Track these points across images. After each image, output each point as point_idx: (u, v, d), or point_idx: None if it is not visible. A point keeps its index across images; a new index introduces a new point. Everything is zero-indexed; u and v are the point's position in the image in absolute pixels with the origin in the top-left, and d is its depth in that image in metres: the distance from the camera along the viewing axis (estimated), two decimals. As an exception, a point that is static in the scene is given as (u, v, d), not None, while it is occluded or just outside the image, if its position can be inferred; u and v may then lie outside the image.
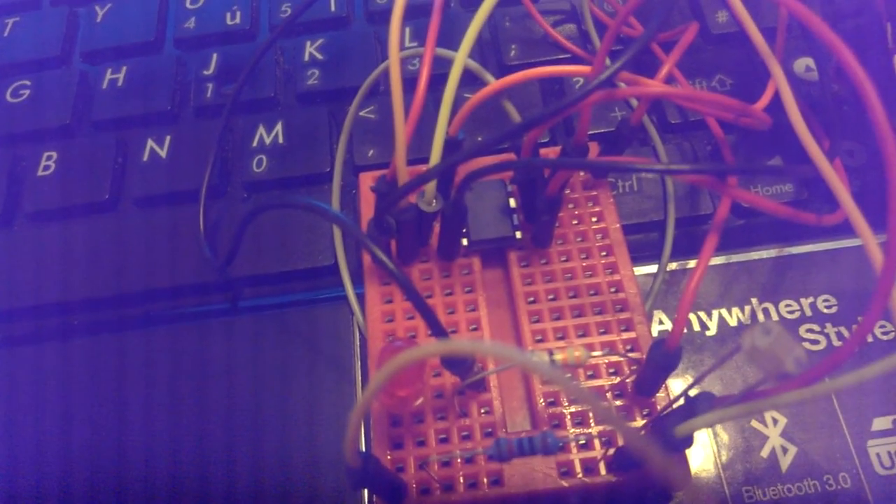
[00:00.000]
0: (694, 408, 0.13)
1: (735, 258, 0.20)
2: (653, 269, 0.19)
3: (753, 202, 0.14)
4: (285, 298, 0.20)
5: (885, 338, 0.18)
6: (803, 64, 0.22)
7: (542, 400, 0.16)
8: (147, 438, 0.18)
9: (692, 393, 0.14)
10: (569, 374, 0.09)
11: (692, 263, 0.20)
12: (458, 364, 0.14)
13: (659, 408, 0.15)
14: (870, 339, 0.19)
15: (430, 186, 0.16)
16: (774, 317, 0.19)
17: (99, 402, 0.19)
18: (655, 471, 0.10)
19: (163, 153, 0.22)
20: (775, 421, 0.17)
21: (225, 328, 0.20)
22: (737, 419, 0.12)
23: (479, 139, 0.21)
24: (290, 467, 0.17)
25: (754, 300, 0.19)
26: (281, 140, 0.22)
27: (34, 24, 0.25)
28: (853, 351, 0.12)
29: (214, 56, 0.24)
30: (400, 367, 0.10)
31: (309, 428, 0.18)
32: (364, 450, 0.17)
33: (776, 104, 0.16)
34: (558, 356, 0.14)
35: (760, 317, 0.19)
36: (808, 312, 0.19)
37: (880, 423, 0.17)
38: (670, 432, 0.13)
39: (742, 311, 0.19)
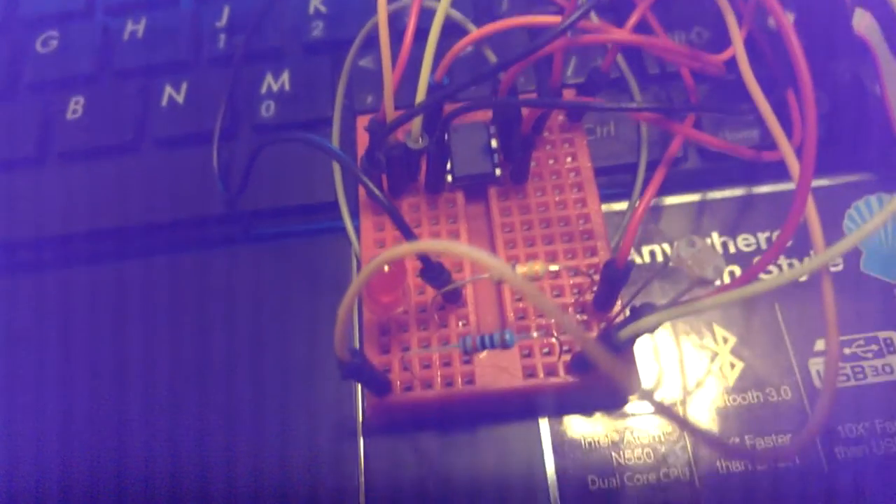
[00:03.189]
0: (637, 315, 0.15)
1: (700, 197, 0.21)
2: (625, 205, 0.21)
3: (701, 139, 0.16)
4: (290, 228, 0.22)
5: (834, 269, 0.20)
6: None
7: (511, 314, 0.18)
8: (151, 354, 0.21)
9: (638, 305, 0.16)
10: (524, 279, 0.11)
11: (664, 201, 0.22)
12: (436, 276, 0.16)
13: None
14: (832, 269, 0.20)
15: (416, 125, 0.18)
16: (732, 250, 0.21)
17: (121, 319, 0.21)
18: (604, 369, 0.12)
19: (180, 98, 0.24)
20: (725, 340, 0.19)
21: (234, 256, 0.22)
22: (669, 320, 0.14)
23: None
24: (290, 388, 0.20)
25: (714, 234, 0.21)
26: (287, 87, 0.24)
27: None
28: (771, 261, 0.14)
29: (226, 9, 0.25)
30: (379, 265, 0.12)
31: (310, 349, 0.20)
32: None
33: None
34: (520, 269, 0.16)
35: (719, 250, 0.21)
36: (763, 246, 0.21)
37: (821, 344, 0.19)
38: (616, 336, 0.15)
39: (703, 244, 0.21)
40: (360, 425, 0.19)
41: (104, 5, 0.27)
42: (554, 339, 0.17)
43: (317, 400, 0.19)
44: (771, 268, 0.20)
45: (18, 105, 0.25)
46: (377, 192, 0.16)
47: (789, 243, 0.21)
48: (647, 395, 0.18)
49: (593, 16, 0.22)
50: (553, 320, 0.17)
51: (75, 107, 0.24)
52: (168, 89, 0.24)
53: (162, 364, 0.21)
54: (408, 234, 0.15)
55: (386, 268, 0.15)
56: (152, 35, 0.25)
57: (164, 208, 0.22)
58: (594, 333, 0.17)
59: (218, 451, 0.19)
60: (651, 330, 0.15)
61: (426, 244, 0.14)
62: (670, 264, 0.13)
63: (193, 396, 0.20)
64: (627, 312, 0.16)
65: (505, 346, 0.15)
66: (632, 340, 0.15)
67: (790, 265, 0.20)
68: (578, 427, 0.19)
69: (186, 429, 0.20)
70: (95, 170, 0.23)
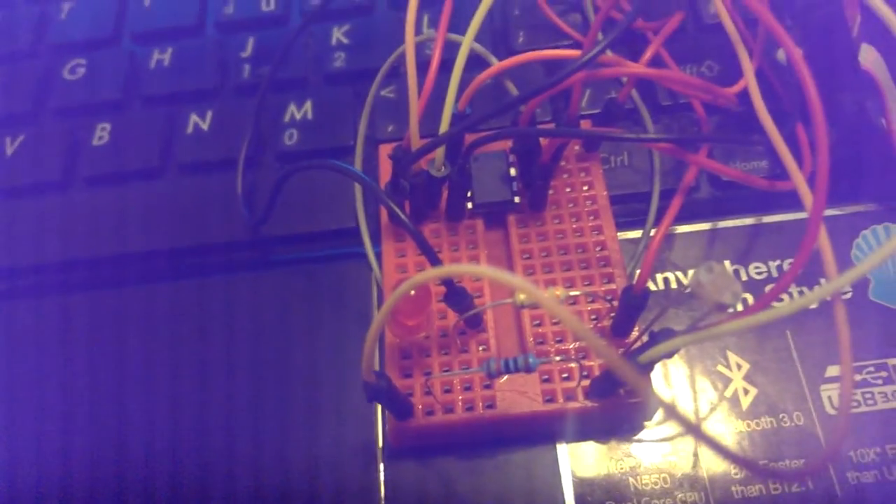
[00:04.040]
0: (655, 340, 0.15)
1: (713, 226, 0.22)
2: (639, 234, 0.22)
3: (714, 169, 0.16)
4: (311, 254, 0.23)
5: (844, 297, 0.21)
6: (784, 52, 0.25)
7: (531, 339, 0.18)
8: (175, 377, 0.21)
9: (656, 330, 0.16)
10: (553, 299, 0.11)
11: (676, 230, 0.22)
12: (459, 301, 0.16)
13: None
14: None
15: (439, 154, 0.18)
16: (744, 277, 0.21)
17: (150, 339, 0.22)
18: (632, 386, 0.12)
19: (205, 126, 0.25)
20: (739, 366, 0.20)
21: (256, 281, 0.22)
22: (687, 345, 0.14)
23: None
24: (311, 413, 0.20)
25: (727, 262, 0.21)
26: (310, 116, 0.24)
27: (87, 9, 0.28)
28: (784, 288, 0.14)
29: (251, 40, 0.26)
30: (408, 289, 0.13)
31: (331, 374, 0.21)
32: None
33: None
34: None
35: (732, 277, 0.21)
36: (775, 273, 0.21)
37: (832, 371, 0.20)
38: (635, 360, 0.15)
39: (715, 271, 0.21)
40: (381, 450, 0.19)
41: (131, 34, 0.27)
42: (574, 364, 0.17)
43: (338, 425, 0.20)
44: (783, 296, 0.20)
45: (45, 130, 0.26)
46: (402, 216, 0.17)
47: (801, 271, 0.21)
48: (664, 420, 0.18)
49: (608, 50, 0.23)
50: (580, 341, 0.18)
51: (101, 133, 0.25)
52: (194, 117, 0.25)
53: (184, 387, 0.21)
54: (432, 258, 0.16)
55: (412, 292, 0.16)
56: (178, 64, 0.26)
57: (188, 234, 0.23)
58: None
59: (243, 474, 0.19)
60: (670, 355, 0.15)
61: (459, 268, 0.14)
62: (688, 290, 0.14)
63: (215, 421, 0.20)
64: (646, 338, 0.16)
65: (528, 369, 0.15)
66: (651, 365, 0.15)
67: (801, 293, 0.21)
68: (596, 453, 0.19)
69: (210, 451, 0.20)
70: (121, 195, 0.24)
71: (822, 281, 0.21)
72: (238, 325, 0.22)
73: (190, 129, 0.25)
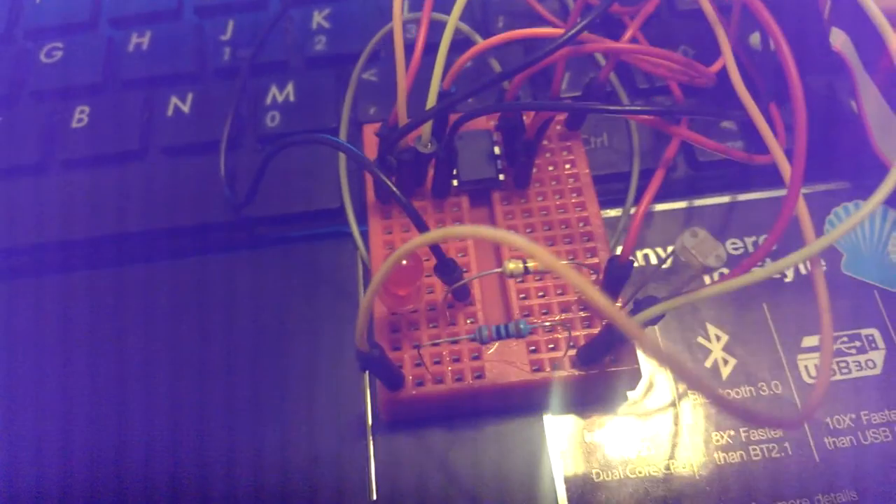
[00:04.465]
0: (640, 307, 0.16)
1: (688, 204, 0.23)
2: (619, 212, 0.22)
3: (696, 140, 0.17)
4: (297, 233, 0.23)
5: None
6: (758, 37, 0.25)
7: (517, 311, 0.18)
8: (151, 359, 0.21)
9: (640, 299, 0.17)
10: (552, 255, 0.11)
11: (655, 208, 0.23)
12: (448, 272, 0.16)
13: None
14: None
15: (426, 131, 0.19)
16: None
17: (126, 320, 0.22)
18: (634, 339, 0.12)
19: (186, 109, 0.24)
20: (718, 337, 0.20)
21: (240, 262, 0.22)
22: (670, 310, 0.15)
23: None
24: (299, 390, 0.20)
25: (705, 238, 0.22)
26: (292, 98, 0.24)
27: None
28: (762, 257, 0.15)
29: (230, 23, 0.26)
30: (402, 255, 0.13)
31: (316, 352, 0.21)
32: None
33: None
34: (531, 263, 0.17)
35: (710, 253, 0.22)
36: (751, 249, 0.22)
37: (808, 341, 0.20)
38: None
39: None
40: (370, 426, 0.19)
41: (108, 18, 0.27)
42: (561, 335, 0.18)
43: (326, 401, 0.20)
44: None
45: (21, 113, 0.25)
46: (391, 185, 0.17)
47: (775, 247, 0.22)
48: (646, 392, 0.19)
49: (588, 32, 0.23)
50: (570, 310, 0.18)
51: (80, 115, 0.25)
52: (174, 99, 0.25)
53: (165, 366, 0.21)
54: (421, 225, 0.16)
55: (404, 261, 0.16)
56: (157, 47, 0.26)
57: (168, 215, 0.23)
58: (597, 326, 0.18)
59: (229, 456, 0.19)
60: (655, 321, 0.16)
61: (455, 230, 0.14)
62: (675, 253, 0.14)
63: (200, 401, 0.20)
64: (631, 306, 0.16)
65: (519, 335, 0.16)
66: (637, 331, 0.16)
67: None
68: (581, 422, 0.19)
69: (191, 432, 0.20)
70: (100, 177, 0.24)
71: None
72: (223, 306, 0.22)
73: (170, 112, 0.24)
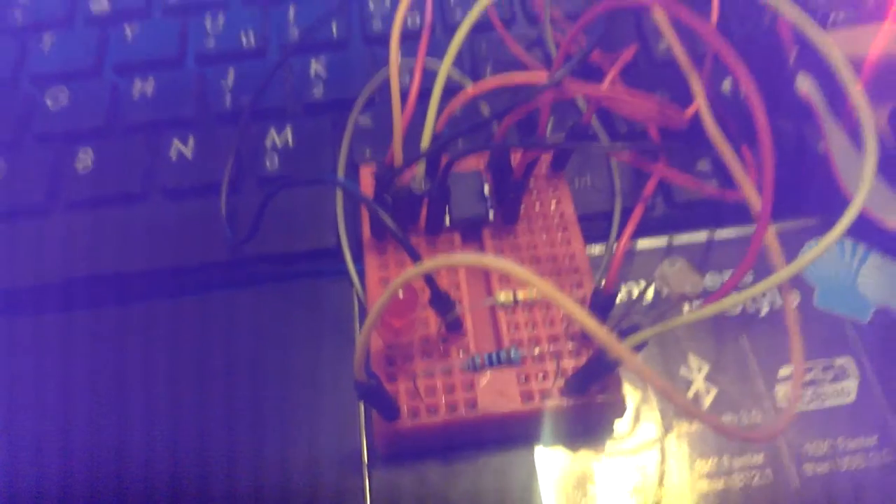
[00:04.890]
0: (625, 334, 0.17)
1: (667, 241, 0.24)
2: (602, 248, 0.23)
3: (672, 177, 0.18)
4: (294, 272, 0.23)
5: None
6: (728, 83, 0.27)
7: (508, 343, 0.19)
8: (153, 396, 0.21)
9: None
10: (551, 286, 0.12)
11: (635, 245, 0.24)
12: (442, 304, 0.17)
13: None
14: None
15: (420, 172, 0.20)
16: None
17: (126, 359, 0.22)
18: (630, 367, 0.13)
19: (188, 152, 0.25)
20: (700, 368, 0.21)
21: (239, 299, 0.23)
22: (651, 337, 0.16)
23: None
24: (296, 425, 0.21)
25: (685, 272, 0.23)
26: (291, 143, 0.25)
27: (68, 41, 0.29)
28: (734, 285, 0.16)
29: (231, 70, 0.27)
30: (397, 287, 0.14)
31: (313, 387, 0.21)
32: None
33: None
34: (520, 294, 0.17)
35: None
36: (728, 282, 0.23)
37: (785, 371, 0.21)
38: (605, 355, 0.17)
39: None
40: (366, 461, 0.20)
41: (112, 64, 0.28)
42: (552, 364, 0.19)
43: (323, 437, 0.20)
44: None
45: (26, 155, 0.26)
46: (387, 218, 0.18)
47: (750, 277, 0.23)
48: (633, 423, 0.20)
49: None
50: (560, 339, 0.19)
51: (84, 157, 0.26)
52: (176, 143, 0.26)
53: (166, 402, 0.21)
54: (415, 256, 0.17)
55: (400, 294, 0.17)
56: (160, 93, 0.27)
57: (170, 255, 0.24)
58: (583, 356, 0.19)
59: (222, 484, 0.20)
60: (640, 347, 0.17)
61: (457, 258, 0.15)
62: (654, 282, 0.15)
63: (198, 438, 0.21)
64: (616, 334, 0.17)
65: (510, 362, 0.16)
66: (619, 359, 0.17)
67: (753, 299, 0.23)
68: (569, 452, 0.20)
69: (190, 462, 0.20)
70: (103, 218, 0.24)
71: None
72: (221, 343, 0.22)
73: (173, 156, 0.25)
